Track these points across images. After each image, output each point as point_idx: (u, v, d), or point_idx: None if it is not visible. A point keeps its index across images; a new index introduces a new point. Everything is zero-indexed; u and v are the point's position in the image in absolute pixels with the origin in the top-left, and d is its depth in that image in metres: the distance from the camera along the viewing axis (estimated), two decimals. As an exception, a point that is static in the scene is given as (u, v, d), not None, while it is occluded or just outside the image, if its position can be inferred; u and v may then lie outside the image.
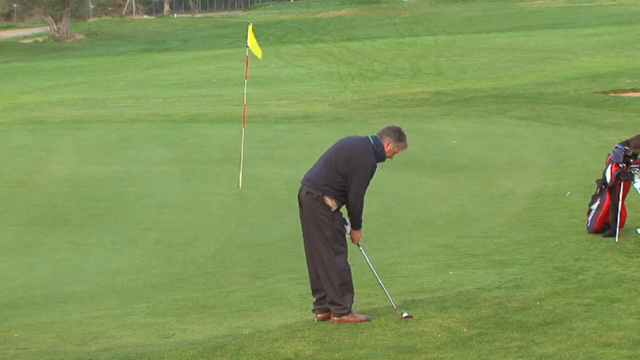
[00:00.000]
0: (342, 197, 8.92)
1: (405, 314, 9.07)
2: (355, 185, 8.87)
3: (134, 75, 46.50)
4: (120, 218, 15.48)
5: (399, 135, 9.01)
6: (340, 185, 8.88)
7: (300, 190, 9.04)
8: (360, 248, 9.26)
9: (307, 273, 9.33)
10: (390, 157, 9.07)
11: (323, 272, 9.00)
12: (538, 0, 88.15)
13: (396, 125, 9.12)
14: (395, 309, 9.20)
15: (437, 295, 9.92)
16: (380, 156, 8.94)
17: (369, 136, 9.05)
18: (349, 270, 9.04)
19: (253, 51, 18.43)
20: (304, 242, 9.18)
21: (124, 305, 10.76)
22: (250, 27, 18.53)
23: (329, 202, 8.90)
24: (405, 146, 9.05)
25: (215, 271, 12.39)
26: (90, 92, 39.47)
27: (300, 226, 9.18)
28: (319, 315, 9.18)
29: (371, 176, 8.89)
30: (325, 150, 9.17)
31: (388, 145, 9.00)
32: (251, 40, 18.36)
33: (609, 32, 53.27)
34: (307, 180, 9.00)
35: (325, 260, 8.95)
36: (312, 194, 8.90)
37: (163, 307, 10.50)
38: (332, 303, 9.03)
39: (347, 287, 9.02)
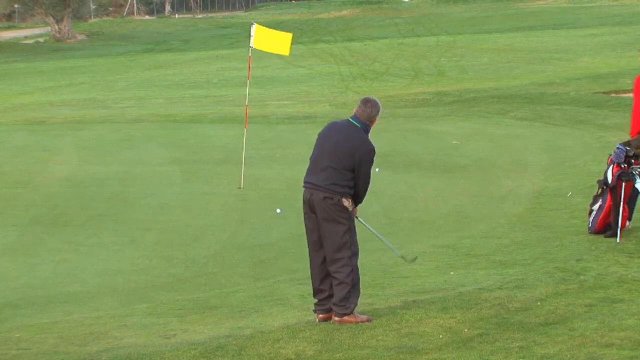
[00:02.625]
0: (352, 191, 9.09)
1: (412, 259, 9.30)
2: (364, 173, 9.04)
3: (135, 75, 46.52)
4: (121, 218, 15.48)
5: (379, 109, 9.19)
6: (352, 181, 9.03)
7: (309, 195, 9.03)
8: (359, 218, 9.34)
9: (309, 274, 9.34)
10: None
11: (337, 274, 9.02)
12: (539, 0, 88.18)
13: (371, 99, 9.24)
14: (400, 256, 9.30)
15: (438, 295, 9.92)
16: (368, 132, 9.16)
17: (351, 120, 9.11)
18: (358, 270, 9.11)
19: (276, 50, 18.24)
20: (310, 243, 9.19)
21: (125, 306, 10.76)
22: (256, 26, 18.31)
23: (346, 203, 9.01)
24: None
25: (216, 271, 12.38)
26: (91, 92, 39.48)
27: (306, 229, 9.19)
28: (320, 316, 9.19)
29: (374, 157, 9.11)
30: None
31: (374, 123, 9.19)
32: (271, 35, 18.12)
33: (610, 32, 53.27)
34: (315, 186, 9.00)
35: (341, 262, 9.00)
36: (332, 198, 8.97)
37: (164, 308, 10.50)
38: (337, 304, 9.04)
39: (356, 288, 9.08)
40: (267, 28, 18.44)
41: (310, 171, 9.13)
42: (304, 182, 9.14)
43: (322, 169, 9.03)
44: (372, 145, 9.07)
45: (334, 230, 9.00)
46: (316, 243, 9.16)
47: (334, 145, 9.03)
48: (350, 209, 9.04)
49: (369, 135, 9.15)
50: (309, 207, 9.07)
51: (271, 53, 19.15)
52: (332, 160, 9.00)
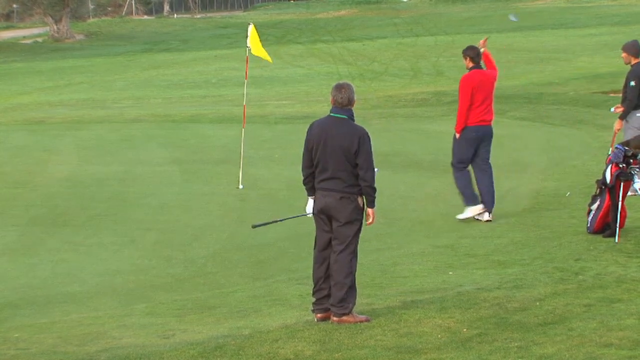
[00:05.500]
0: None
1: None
2: (364, 156, 8.99)
3: (134, 75, 46.49)
4: (120, 218, 15.48)
5: (353, 89, 9.23)
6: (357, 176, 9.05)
7: (324, 197, 9.07)
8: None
9: (307, 273, 9.37)
10: None
11: (337, 274, 9.04)
12: (538, 0, 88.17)
13: (343, 84, 9.29)
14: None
15: (437, 295, 9.93)
16: (353, 118, 9.18)
17: (334, 115, 9.12)
18: (355, 272, 9.15)
19: (259, 55, 18.28)
20: (319, 244, 9.23)
21: (124, 306, 10.76)
22: (252, 27, 18.32)
23: (360, 201, 9.07)
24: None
25: (215, 271, 12.39)
26: (90, 92, 39.45)
27: (317, 230, 9.22)
28: (318, 315, 9.21)
29: (370, 141, 9.09)
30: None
31: (354, 104, 9.22)
32: (255, 43, 18.16)
33: (609, 32, 53.25)
34: (330, 190, 9.04)
35: (342, 261, 9.03)
36: (349, 197, 8.99)
37: (163, 308, 10.51)
38: (335, 305, 9.06)
39: (353, 288, 9.11)
40: (257, 37, 18.37)
41: (321, 178, 9.12)
42: (318, 189, 9.14)
43: (334, 175, 9.04)
44: (363, 129, 9.07)
45: (346, 230, 9.04)
46: (325, 244, 9.19)
47: (332, 149, 9.04)
48: (363, 207, 9.08)
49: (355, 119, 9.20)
50: (323, 211, 9.10)
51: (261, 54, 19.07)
52: (340, 164, 9.02)
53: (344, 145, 8.98)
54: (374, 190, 9.08)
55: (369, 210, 9.17)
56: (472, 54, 14.93)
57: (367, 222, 9.22)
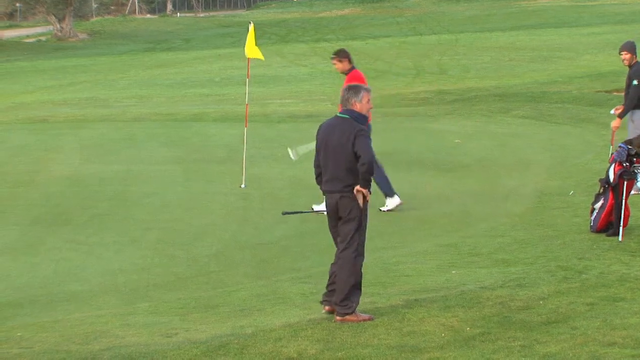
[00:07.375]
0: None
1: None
2: (363, 147, 8.96)
3: (137, 74, 46.50)
4: (123, 217, 15.48)
5: (355, 91, 9.16)
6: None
7: (330, 198, 9.12)
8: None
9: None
10: (371, 108, 9.27)
11: (340, 272, 9.06)
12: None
13: (349, 85, 9.32)
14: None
15: (440, 294, 9.92)
16: (363, 120, 9.12)
17: (339, 115, 9.18)
18: (361, 271, 9.15)
19: (247, 53, 18.32)
20: (334, 240, 9.31)
21: (127, 305, 10.76)
22: (251, 26, 18.34)
23: (357, 189, 9.04)
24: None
25: (218, 270, 12.38)
26: (92, 91, 39.46)
27: (330, 228, 9.29)
28: (326, 308, 9.26)
29: (368, 133, 9.09)
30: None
31: (358, 105, 9.12)
32: (249, 41, 18.20)
33: (612, 31, 53.21)
34: (331, 191, 9.10)
35: (345, 260, 9.07)
36: (349, 196, 9.04)
37: (166, 307, 10.50)
38: (338, 304, 9.06)
39: (357, 288, 9.11)
40: (253, 37, 18.42)
41: (324, 179, 9.21)
42: (323, 190, 9.23)
43: (333, 175, 9.08)
44: (360, 126, 9.04)
45: (345, 227, 9.07)
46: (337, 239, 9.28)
47: (332, 148, 9.08)
48: (361, 195, 9.05)
49: (364, 120, 9.17)
50: (332, 210, 9.16)
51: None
52: (339, 164, 9.04)
53: (342, 143, 9.01)
54: (371, 173, 9.06)
55: (363, 190, 9.05)
56: (350, 55, 16.01)
57: (359, 199, 9.10)
